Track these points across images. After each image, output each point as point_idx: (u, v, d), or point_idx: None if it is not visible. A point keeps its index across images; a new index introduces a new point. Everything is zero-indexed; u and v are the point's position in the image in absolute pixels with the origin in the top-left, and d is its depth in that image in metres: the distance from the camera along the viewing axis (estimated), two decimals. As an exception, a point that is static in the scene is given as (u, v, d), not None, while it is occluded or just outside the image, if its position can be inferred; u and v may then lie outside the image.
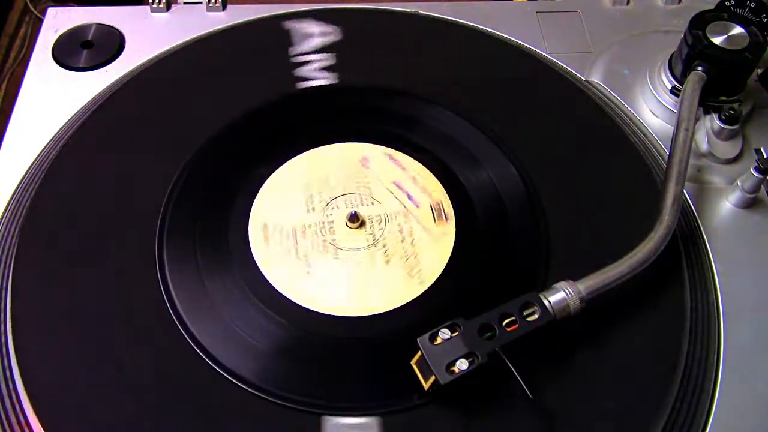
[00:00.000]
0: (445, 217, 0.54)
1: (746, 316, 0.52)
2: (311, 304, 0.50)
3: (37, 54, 0.66)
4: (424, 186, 0.56)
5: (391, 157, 0.58)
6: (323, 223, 0.54)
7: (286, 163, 0.57)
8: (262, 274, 0.51)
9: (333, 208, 0.55)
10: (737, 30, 0.58)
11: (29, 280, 0.51)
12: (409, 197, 0.55)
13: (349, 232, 0.54)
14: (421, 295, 0.51)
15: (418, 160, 0.58)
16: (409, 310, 0.50)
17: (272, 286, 0.51)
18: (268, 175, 0.57)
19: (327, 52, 0.66)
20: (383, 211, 0.55)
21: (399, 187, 0.56)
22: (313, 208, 0.55)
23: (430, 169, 0.57)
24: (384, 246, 0.53)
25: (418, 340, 0.45)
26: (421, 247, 0.53)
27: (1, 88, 0.75)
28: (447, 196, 0.56)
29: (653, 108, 0.63)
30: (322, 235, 0.54)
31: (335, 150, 0.59)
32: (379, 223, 0.54)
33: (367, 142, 0.59)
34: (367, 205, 0.55)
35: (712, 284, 0.53)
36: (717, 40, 0.58)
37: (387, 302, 0.50)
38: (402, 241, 0.53)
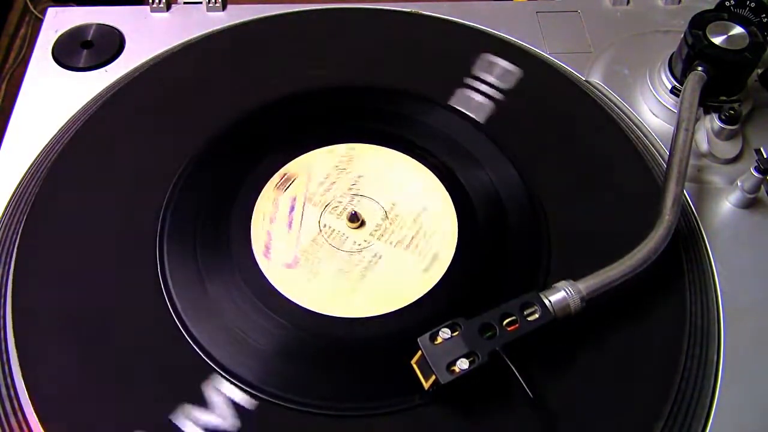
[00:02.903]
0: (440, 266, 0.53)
1: (746, 316, 0.52)
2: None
3: (37, 54, 0.66)
4: (440, 225, 0.55)
5: (429, 180, 0.57)
6: (324, 212, 0.55)
7: (306, 153, 0.58)
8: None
9: (341, 206, 0.55)
10: (737, 30, 0.58)
11: (29, 279, 0.51)
12: (421, 226, 0.54)
13: (347, 230, 0.54)
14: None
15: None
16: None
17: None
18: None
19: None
20: (388, 223, 0.55)
21: (419, 214, 0.55)
22: (323, 197, 0.56)
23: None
24: (373, 255, 0.53)
25: (418, 339, 0.45)
26: (406, 276, 0.52)
27: (1, 88, 0.75)
28: (455, 245, 0.53)
29: (653, 108, 0.63)
30: (319, 225, 0.54)
31: (374, 151, 0.59)
32: (379, 231, 0.54)
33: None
34: (377, 212, 0.55)
35: (712, 284, 0.53)
36: (717, 40, 0.58)
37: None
38: (388, 259, 0.53)
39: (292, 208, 0.55)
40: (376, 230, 0.54)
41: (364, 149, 0.59)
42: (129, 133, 0.59)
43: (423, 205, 0.56)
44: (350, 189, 0.56)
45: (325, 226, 0.54)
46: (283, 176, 0.56)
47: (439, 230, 0.54)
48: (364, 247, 0.53)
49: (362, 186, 0.57)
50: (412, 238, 0.54)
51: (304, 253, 0.53)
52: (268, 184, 0.55)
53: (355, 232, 0.54)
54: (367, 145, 0.59)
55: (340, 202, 0.55)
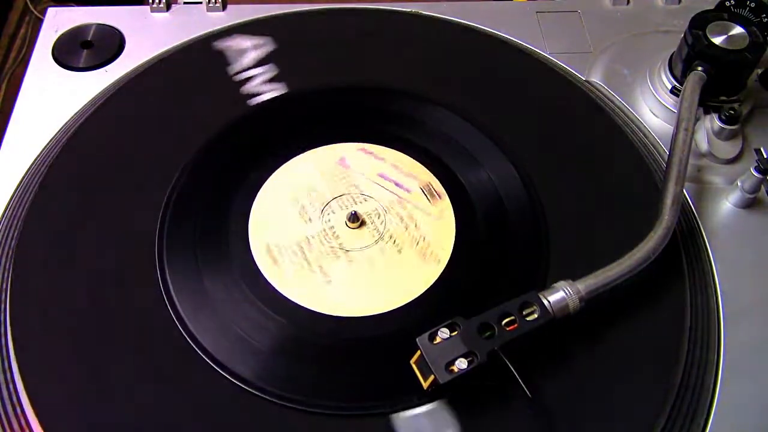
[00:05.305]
0: (438, 195, 0.55)
1: (746, 316, 0.52)
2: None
3: (37, 54, 0.66)
4: (409, 171, 0.57)
5: (364, 150, 0.58)
6: (325, 230, 0.54)
7: (273, 173, 0.57)
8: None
9: (329, 214, 0.55)
10: (737, 30, 0.58)
11: (29, 280, 0.51)
12: (398, 185, 0.56)
13: (353, 232, 0.54)
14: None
15: (392, 148, 0.58)
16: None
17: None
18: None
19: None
20: (378, 205, 0.55)
21: (384, 177, 0.56)
22: (310, 219, 0.55)
23: (409, 155, 0.58)
24: (391, 237, 0.54)
25: (417, 339, 0.44)
26: (426, 228, 0.54)
27: (1, 88, 0.75)
28: (433, 175, 0.57)
29: (653, 108, 0.63)
30: (329, 243, 0.54)
31: (310, 157, 0.58)
32: (379, 217, 0.55)
33: (339, 142, 0.59)
34: (361, 203, 0.56)
35: (712, 284, 0.53)
36: (717, 40, 0.58)
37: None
38: (406, 228, 0.54)
39: (296, 249, 0.53)
40: (377, 217, 0.55)
41: (295, 162, 0.58)
42: (129, 133, 0.59)
43: (383, 169, 0.57)
44: (323, 198, 0.56)
45: (335, 240, 0.54)
46: (268, 249, 0.53)
47: (416, 181, 0.55)
48: (379, 237, 0.54)
49: (331, 190, 0.56)
50: (406, 202, 0.55)
51: (330, 270, 0.52)
52: (253, 232, 0.53)
53: (361, 229, 0.54)
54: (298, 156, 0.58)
55: (332, 212, 0.55)
